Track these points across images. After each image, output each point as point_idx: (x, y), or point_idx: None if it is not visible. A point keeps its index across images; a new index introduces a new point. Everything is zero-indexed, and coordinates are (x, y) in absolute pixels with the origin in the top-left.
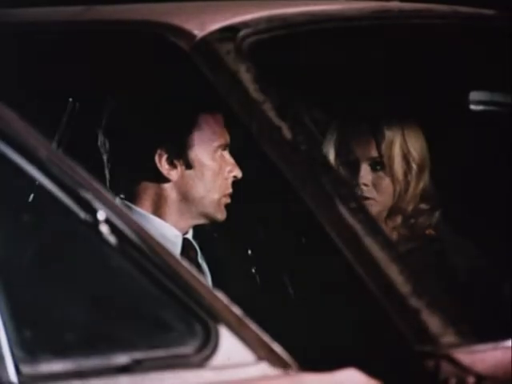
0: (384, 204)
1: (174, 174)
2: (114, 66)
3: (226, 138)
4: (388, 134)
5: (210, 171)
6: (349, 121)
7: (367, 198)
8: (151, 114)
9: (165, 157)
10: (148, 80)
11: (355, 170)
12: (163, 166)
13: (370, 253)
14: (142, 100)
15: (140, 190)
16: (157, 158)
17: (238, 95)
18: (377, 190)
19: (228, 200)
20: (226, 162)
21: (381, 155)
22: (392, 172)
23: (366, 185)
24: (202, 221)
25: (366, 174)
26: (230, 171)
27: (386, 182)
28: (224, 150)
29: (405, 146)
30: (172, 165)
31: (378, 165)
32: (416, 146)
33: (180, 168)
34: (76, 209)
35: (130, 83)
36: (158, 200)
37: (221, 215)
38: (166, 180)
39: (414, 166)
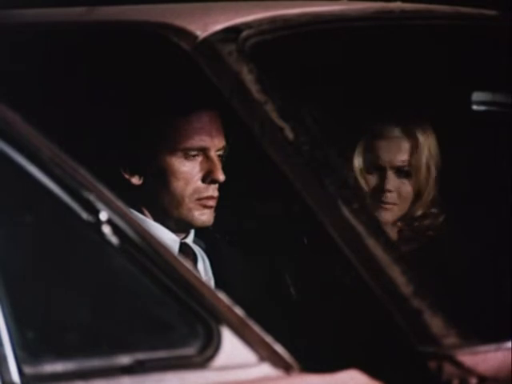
0: (402, 210)
1: (136, 180)
2: (116, 67)
3: (205, 141)
4: (421, 141)
5: (174, 177)
6: (380, 127)
7: (388, 204)
8: (116, 120)
9: (127, 164)
10: (146, 80)
11: (381, 176)
12: (127, 173)
13: (372, 254)
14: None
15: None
16: (122, 168)
17: (240, 96)
18: (398, 196)
19: (210, 203)
20: (205, 166)
21: (409, 163)
22: (416, 179)
23: (390, 191)
24: (180, 226)
25: (391, 180)
26: (209, 174)
27: (409, 188)
28: (202, 153)
29: (429, 153)
30: (134, 171)
31: (403, 172)
32: (436, 152)
33: (143, 174)
34: (78, 209)
35: (130, 84)
36: (139, 205)
37: (200, 219)
38: (136, 188)
39: (434, 173)
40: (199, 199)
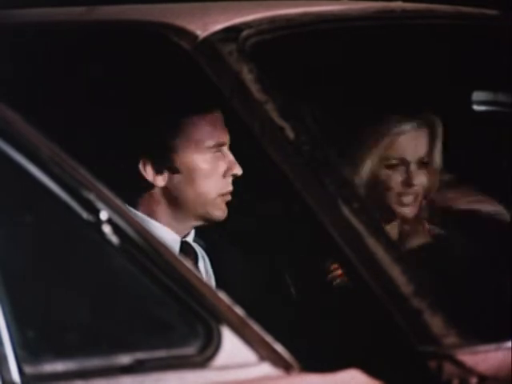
0: (422, 202)
1: (160, 180)
2: (116, 67)
3: (221, 137)
4: (438, 130)
5: (200, 173)
6: (398, 123)
7: (413, 198)
8: (134, 119)
9: (149, 164)
10: (148, 80)
11: (405, 171)
12: (148, 173)
13: (372, 253)
14: (124, 104)
15: (134, 195)
16: (141, 166)
17: (240, 96)
18: (421, 189)
19: (228, 198)
20: (224, 161)
21: (429, 153)
22: (433, 169)
23: (416, 185)
24: (199, 222)
25: (416, 174)
26: (229, 169)
27: (427, 179)
28: (219, 149)
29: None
30: (157, 171)
31: (423, 164)
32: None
33: (166, 173)
34: (78, 209)
35: (131, 83)
36: (151, 205)
37: (219, 214)
38: (154, 186)
39: (439, 161)
40: (222, 195)
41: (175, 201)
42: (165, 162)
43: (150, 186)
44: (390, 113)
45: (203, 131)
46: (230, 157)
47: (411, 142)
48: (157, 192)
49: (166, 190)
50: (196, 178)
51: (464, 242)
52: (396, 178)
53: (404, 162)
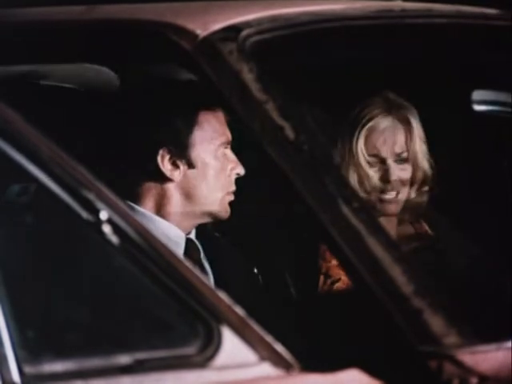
0: (404, 197)
1: (176, 175)
2: (116, 66)
3: (228, 136)
4: (414, 124)
5: (212, 170)
6: (376, 118)
7: (393, 194)
8: (153, 114)
9: (167, 157)
10: (150, 80)
11: (383, 168)
12: (166, 166)
13: (372, 253)
14: (144, 100)
15: (143, 191)
16: (159, 159)
17: (240, 95)
18: (401, 184)
19: (231, 197)
20: (229, 160)
21: (407, 149)
22: (414, 163)
23: (394, 180)
24: (205, 220)
25: (394, 169)
26: (233, 169)
27: (408, 174)
28: (226, 147)
29: (419, 135)
30: (174, 165)
31: (402, 159)
32: (422, 131)
33: (183, 168)
34: (78, 209)
35: (132, 83)
36: (161, 200)
37: (225, 213)
38: (169, 180)
39: (425, 151)
40: (228, 193)
41: (187, 196)
42: (183, 156)
43: (165, 180)
44: (362, 109)
45: (215, 128)
46: (233, 156)
47: (385, 137)
48: (170, 187)
49: (181, 185)
50: (209, 175)
51: (464, 241)
52: (375, 175)
53: (380, 159)
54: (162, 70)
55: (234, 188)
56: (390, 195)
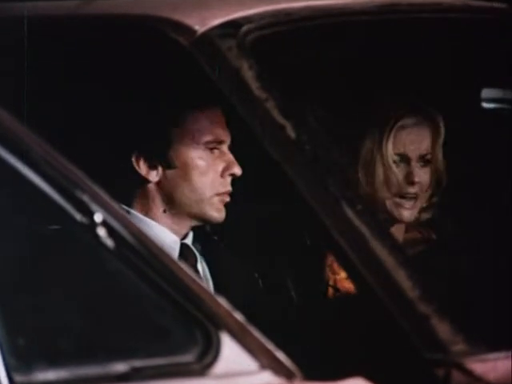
0: (422, 203)
1: (153, 175)
2: (111, 62)
3: (219, 135)
4: (441, 125)
5: (195, 170)
6: (406, 117)
7: (412, 197)
8: (126, 113)
9: (142, 158)
10: (144, 76)
11: (407, 168)
12: (141, 167)
13: (377, 257)
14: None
15: (130, 193)
16: (134, 160)
17: (240, 93)
18: (420, 189)
19: (226, 199)
20: (223, 159)
21: (431, 151)
22: (435, 167)
23: (416, 183)
24: (196, 222)
25: (417, 171)
26: (227, 169)
27: (428, 178)
28: (216, 147)
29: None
30: (151, 166)
31: (425, 161)
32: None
33: (160, 168)
34: (72, 211)
35: (127, 79)
36: (146, 202)
37: (216, 215)
38: (148, 181)
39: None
40: (218, 194)
41: (169, 197)
42: (158, 157)
43: (145, 181)
44: (392, 108)
45: (200, 127)
46: (229, 156)
47: (413, 137)
48: (151, 188)
49: (161, 186)
50: (191, 174)
51: (472, 247)
52: (397, 175)
53: (405, 158)
54: (145, 66)
55: (227, 189)
56: (410, 201)
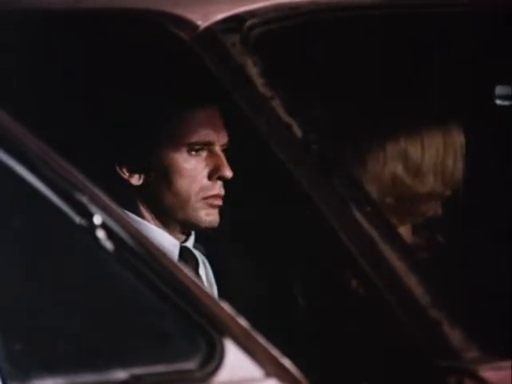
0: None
1: (135, 179)
2: (111, 57)
3: (208, 135)
4: (455, 133)
5: (177, 173)
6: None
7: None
8: (113, 114)
9: (125, 162)
10: (143, 73)
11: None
12: (124, 172)
13: (387, 261)
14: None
15: (121, 196)
16: (117, 163)
17: (244, 90)
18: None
19: (216, 202)
20: (211, 161)
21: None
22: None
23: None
24: (185, 228)
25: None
26: (215, 171)
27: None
28: (208, 148)
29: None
30: (132, 170)
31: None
32: None
33: (141, 173)
34: (71, 213)
35: (126, 75)
36: (138, 206)
37: (204, 220)
38: (132, 186)
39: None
40: (205, 198)
41: (153, 202)
42: (139, 160)
43: (130, 186)
44: (402, 108)
45: (187, 128)
46: (219, 158)
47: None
48: (137, 192)
49: (145, 191)
50: (173, 178)
51: (485, 251)
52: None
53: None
54: (145, 62)
55: (215, 192)
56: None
